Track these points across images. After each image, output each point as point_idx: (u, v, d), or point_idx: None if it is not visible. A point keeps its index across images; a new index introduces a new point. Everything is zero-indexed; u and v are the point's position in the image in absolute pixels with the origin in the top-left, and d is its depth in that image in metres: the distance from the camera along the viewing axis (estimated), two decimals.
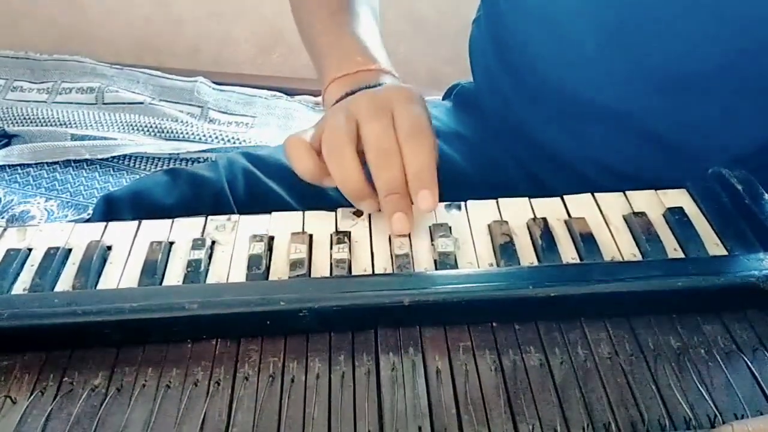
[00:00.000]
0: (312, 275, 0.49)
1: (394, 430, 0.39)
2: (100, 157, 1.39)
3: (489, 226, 0.52)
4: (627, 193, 0.55)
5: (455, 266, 0.49)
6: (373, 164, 0.52)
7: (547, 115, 0.67)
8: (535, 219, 0.52)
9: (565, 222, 0.53)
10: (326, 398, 0.41)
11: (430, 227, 0.52)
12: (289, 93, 1.63)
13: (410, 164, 0.51)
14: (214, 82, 1.62)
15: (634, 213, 0.52)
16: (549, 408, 0.40)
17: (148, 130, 1.47)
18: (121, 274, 0.50)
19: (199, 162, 1.36)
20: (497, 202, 0.55)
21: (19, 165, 1.39)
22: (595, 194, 0.55)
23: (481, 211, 0.54)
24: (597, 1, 0.58)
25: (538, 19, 0.64)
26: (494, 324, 0.45)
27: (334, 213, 0.55)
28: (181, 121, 1.49)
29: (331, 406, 0.41)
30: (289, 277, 0.49)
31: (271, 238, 0.52)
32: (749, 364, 0.42)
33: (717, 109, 0.59)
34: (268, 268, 0.50)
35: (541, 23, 0.64)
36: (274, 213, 0.55)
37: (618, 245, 0.51)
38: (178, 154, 1.39)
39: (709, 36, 0.55)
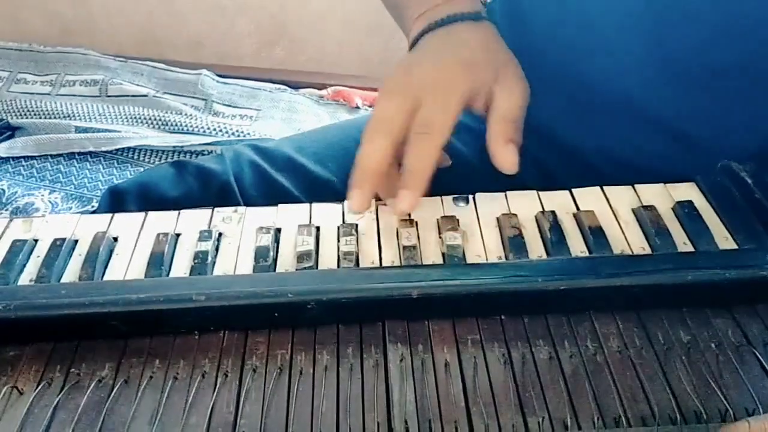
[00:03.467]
0: (319, 267, 0.49)
1: (402, 423, 0.39)
2: (104, 149, 1.39)
3: (497, 219, 0.52)
4: (636, 186, 0.55)
5: (463, 259, 0.49)
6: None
7: (559, 105, 0.66)
8: (543, 212, 0.52)
9: (574, 215, 0.52)
10: (334, 391, 0.41)
11: (438, 220, 0.52)
12: (293, 86, 1.63)
13: (405, 161, 0.51)
14: (217, 75, 1.62)
15: (643, 206, 0.52)
16: (558, 401, 0.40)
17: (152, 123, 1.47)
18: (127, 266, 0.50)
19: (203, 155, 1.36)
20: (506, 195, 0.55)
21: (23, 157, 1.39)
22: (604, 187, 0.55)
23: (490, 204, 0.54)
24: None
25: (555, 4, 0.63)
26: (503, 317, 0.45)
27: (341, 205, 0.54)
28: (186, 114, 1.49)
29: (339, 399, 0.41)
30: (297, 270, 0.48)
31: (278, 230, 0.52)
32: (760, 358, 0.42)
33: (735, 103, 0.58)
34: (275, 260, 0.50)
35: (559, 8, 0.63)
36: (281, 205, 0.55)
37: (627, 239, 0.50)
38: (182, 146, 1.39)
39: (733, 28, 0.55)
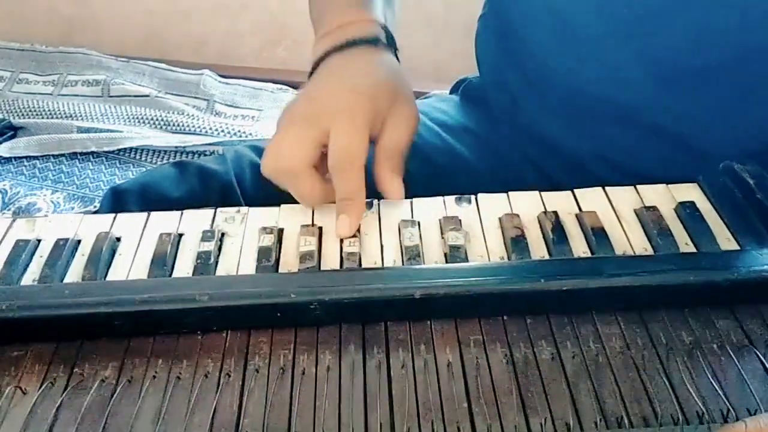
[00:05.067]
0: (322, 268, 0.49)
1: (405, 423, 0.39)
2: (106, 149, 1.39)
3: (500, 219, 0.52)
4: (638, 187, 0.55)
5: (465, 260, 0.49)
6: (334, 171, 0.52)
7: (554, 112, 0.66)
8: (546, 213, 0.52)
9: (576, 216, 0.52)
10: (337, 391, 0.41)
11: (440, 220, 0.52)
12: (295, 86, 1.63)
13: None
14: (219, 75, 1.62)
15: (645, 207, 0.52)
16: (561, 402, 0.40)
17: (154, 123, 1.47)
18: (130, 266, 0.50)
19: (205, 155, 1.36)
20: (508, 195, 0.54)
21: (26, 157, 1.39)
22: (606, 188, 0.55)
23: (492, 205, 0.54)
24: None
25: (544, 14, 0.64)
26: (505, 317, 0.45)
27: None
28: (187, 114, 1.49)
29: (341, 399, 0.41)
30: (299, 270, 0.49)
31: (281, 231, 0.52)
32: (762, 358, 0.42)
33: (727, 103, 0.59)
34: (277, 261, 0.50)
35: (547, 18, 0.63)
36: (283, 205, 0.55)
37: (629, 239, 0.50)
38: (184, 147, 1.39)
39: (719, 28, 0.55)
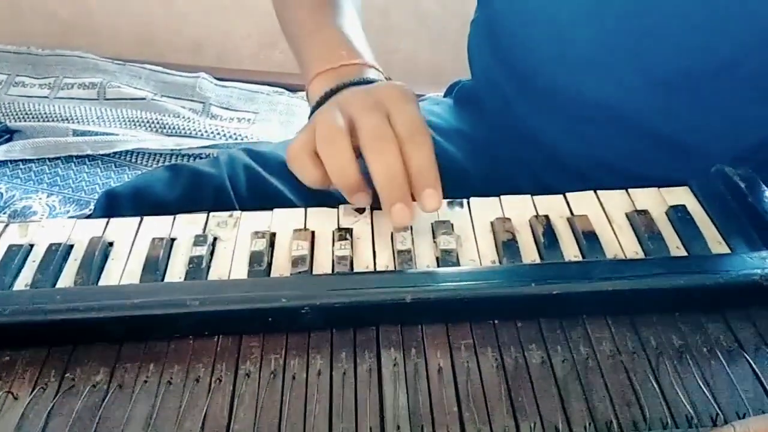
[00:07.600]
0: (314, 272, 0.49)
1: (395, 427, 0.39)
2: (101, 152, 1.39)
3: (491, 223, 0.52)
4: (629, 190, 0.55)
5: (457, 263, 0.49)
6: (368, 151, 0.49)
7: (547, 115, 0.67)
8: (537, 216, 0.52)
9: (568, 219, 0.52)
10: (327, 395, 0.41)
11: (432, 224, 0.52)
12: (292, 89, 1.63)
13: (412, 163, 0.49)
14: (216, 78, 1.62)
15: (636, 211, 0.52)
16: (551, 406, 0.40)
17: (149, 126, 1.47)
18: (122, 271, 0.50)
19: (200, 158, 1.36)
20: (500, 199, 0.55)
21: (21, 160, 1.39)
22: (598, 192, 0.55)
23: (484, 209, 0.54)
24: None
25: (535, 18, 0.64)
26: (496, 321, 0.45)
27: (336, 210, 0.55)
28: (183, 117, 1.49)
29: (332, 404, 0.41)
30: (291, 274, 0.49)
31: (273, 235, 0.52)
32: (751, 362, 0.42)
33: (718, 106, 0.59)
34: (269, 265, 0.50)
35: (538, 23, 0.64)
36: (275, 209, 0.55)
37: (620, 243, 0.51)
38: (179, 150, 1.39)
39: (709, 34, 0.55)
